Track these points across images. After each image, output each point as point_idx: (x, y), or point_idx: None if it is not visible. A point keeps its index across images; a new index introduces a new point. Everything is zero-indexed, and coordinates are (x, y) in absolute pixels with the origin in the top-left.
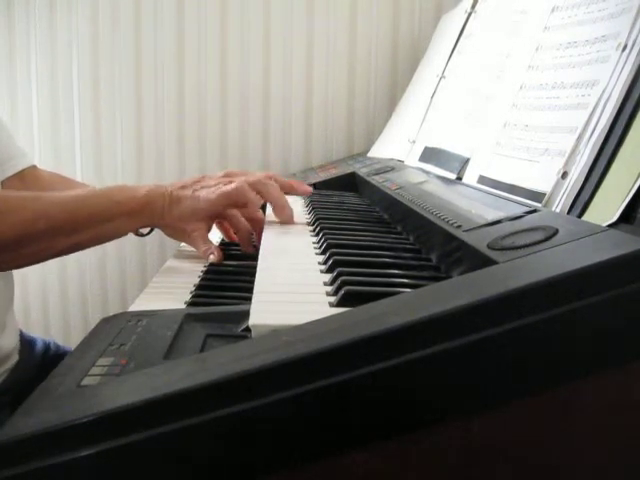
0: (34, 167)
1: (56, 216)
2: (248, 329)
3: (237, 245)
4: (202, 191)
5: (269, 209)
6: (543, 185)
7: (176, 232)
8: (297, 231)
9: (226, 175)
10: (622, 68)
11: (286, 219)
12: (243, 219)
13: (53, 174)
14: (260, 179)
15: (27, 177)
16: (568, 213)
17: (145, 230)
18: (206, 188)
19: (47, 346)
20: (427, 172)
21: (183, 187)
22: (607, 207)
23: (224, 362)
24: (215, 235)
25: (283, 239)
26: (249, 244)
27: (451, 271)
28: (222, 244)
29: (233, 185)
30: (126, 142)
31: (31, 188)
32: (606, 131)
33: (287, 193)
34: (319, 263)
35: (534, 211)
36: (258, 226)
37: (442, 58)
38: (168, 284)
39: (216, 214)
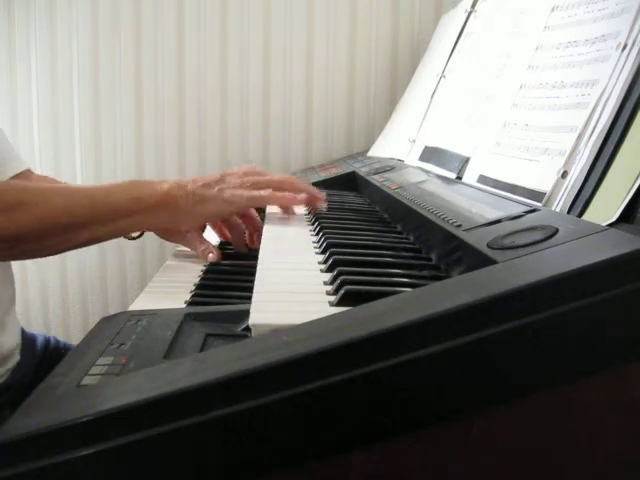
0: (29, 171)
1: (77, 211)
2: (248, 328)
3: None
4: (227, 191)
5: (269, 208)
6: (543, 184)
7: (171, 234)
8: (297, 230)
9: (246, 174)
10: (622, 67)
11: (318, 201)
12: (238, 219)
13: (45, 177)
14: (283, 179)
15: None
16: (568, 212)
17: (135, 234)
18: (232, 188)
19: (47, 341)
20: (427, 171)
21: (206, 185)
22: (607, 206)
23: (224, 361)
24: (213, 236)
25: (283, 238)
26: (242, 244)
27: (451, 270)
28: (221, 244)
29: (265, 193)
30: (126, 142)
31: None
32: (606, 130)
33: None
34: (319, 262)
35: (534, 210)
36: (251, 223)
37: (442, 57)
38: (168, 284)
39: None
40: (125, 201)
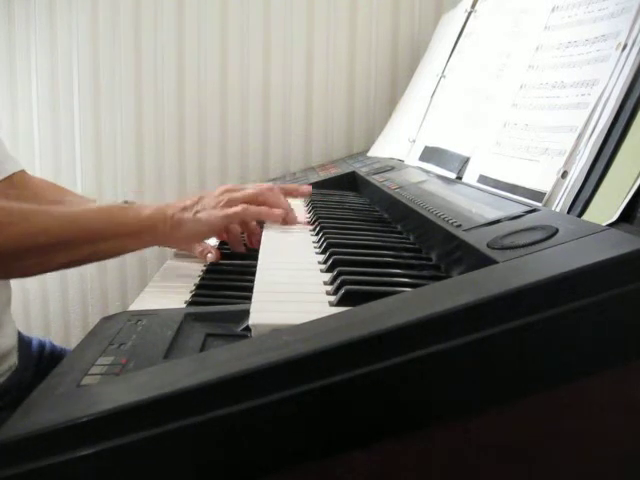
0: (23, 172)
1: (56, 232)
2: (248, 328)
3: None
4: (203, 213)
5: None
6: (543, 184)
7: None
8: (297, 230)
9: (224, 192)
10: (622, 67)
11: (290, 222)
12: None
13: (41, 180)
14: (258, 192)
15: (16, 182)
16: (568, 212)
17: None
18: (207, 210)
19: (43, 346)
20: (427, 171)
21: (184, 209)
22: (607, 206)
23: (224, 361)
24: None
25: (283, 239)
26: (239, 244)
27: (451, 270)
28: (221, 244)
29: (238, 208)
30: (126, 142)
31: (21, 193)
32: (606, 130)
33: (288, 195)
34: (319, 262)
35: (534, 210)
36: (247, 227)
37: (442, 57)
38: (168, 284)
39: (215, 235)
40: (106, 224)
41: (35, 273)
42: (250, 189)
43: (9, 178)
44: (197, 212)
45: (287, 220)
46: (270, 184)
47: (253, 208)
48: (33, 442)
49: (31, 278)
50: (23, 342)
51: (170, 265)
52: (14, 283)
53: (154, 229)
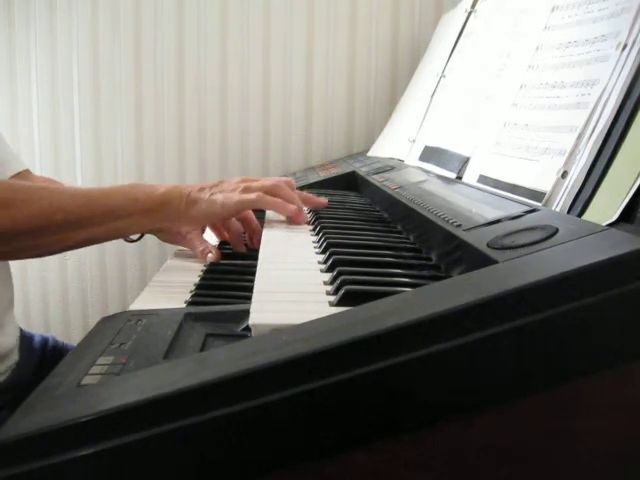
0: (28, 171)
1: (73, 209)
2: (248, 328)
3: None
4: (219, 195)
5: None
6: (543, 184)
7: (171, 236)
8: (297, 230)
9: (243, 180)
10: (622, 67)
11: (299, 222)
12: (234, 219)
13: (46, 179)
14: (275, 184)
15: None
16: (568, 212)
17: (135, 236)
18: (224, 192)
19: (46, 341)
20: (427, 171)
21: (201, 189)
22: (607, 206)
23: (224, 361)
24: (213, 237)
25: (283, 238)
26: (240, 244)
27: (451, 270)
28: (221, 244)
29: (253, 196)
30: (126, 142)
31: None
32: (606, 130)
33: (304, 202)
34: (319, 262)
35: (534, 210)
36: (249, 226)
37: (442, 57)
38: (168, 283)
39: (228, 218)
40: (122, 202)
41: (51, 252)
42: (268, 181)
43: (13, 177)
44: (213, 194)
45: (296, 219)
46: (289, 178)
47: (268, 198)
48: (33, 442)
49: (32, 277)
50: (25, 338)
51: (170, 265)
52: (15, 283)
53: (169, 205)
